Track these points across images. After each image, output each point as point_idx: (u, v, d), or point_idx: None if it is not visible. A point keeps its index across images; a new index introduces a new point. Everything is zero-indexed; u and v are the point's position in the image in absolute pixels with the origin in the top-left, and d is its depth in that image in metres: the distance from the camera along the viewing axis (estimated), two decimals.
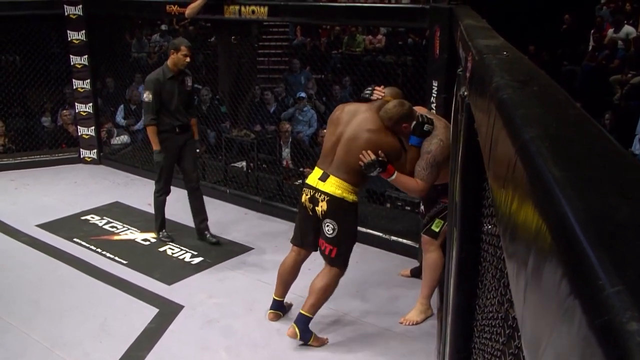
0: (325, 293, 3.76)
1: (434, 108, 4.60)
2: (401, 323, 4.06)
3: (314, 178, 3.73)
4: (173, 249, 5.23)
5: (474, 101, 1.72)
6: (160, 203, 5.41)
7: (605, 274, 0.47)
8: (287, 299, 4.15)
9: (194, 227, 5.67)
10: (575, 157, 0.74)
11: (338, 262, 3.75)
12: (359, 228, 5.27)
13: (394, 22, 6.15)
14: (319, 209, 3.69)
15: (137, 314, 4.16)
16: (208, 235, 5.36)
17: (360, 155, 3.55)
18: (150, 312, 4.19)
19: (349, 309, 4.24)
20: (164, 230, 5.48)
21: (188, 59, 5.08)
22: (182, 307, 4.25)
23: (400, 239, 5.14)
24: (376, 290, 4.51)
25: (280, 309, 4.12)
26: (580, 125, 0.88)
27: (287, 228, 5.65)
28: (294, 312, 4.04)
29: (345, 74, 8.61)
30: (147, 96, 5.03)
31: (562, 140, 0.81)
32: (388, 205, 5.86)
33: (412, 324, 4.05)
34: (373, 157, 3.53)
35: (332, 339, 3.85)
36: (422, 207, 4.42)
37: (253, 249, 5.21)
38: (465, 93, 2.09)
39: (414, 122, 3.62)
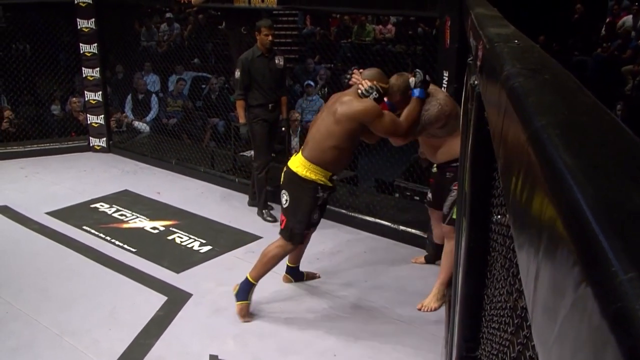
0: (266, 259, 3.94)
1: None
2: (419, 309, 4.08)
3: (293, 156, 3.99)
4: (182, 237, 5.25)
5: (484, 90, 1.71)
6: (262, 181, 5.66)
7: (618, 261, 0.46)
8: (302, 291, 4.17)
9: (203, 216, 5.70)
10: (587, 145, 0.73)
11: (284, 233, 3.89)
12: (366, 217, 5.35)
13: (404, 11, 6.11)
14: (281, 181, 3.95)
15: (146, 302, 4.18)
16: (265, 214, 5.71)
17: (360, 85, 3.71)
18: (159, 300, 4.21)
19: (358, 298, 4.25)
20: (267, 210, 5.70)
21: (270, 38, 5.41)
22: (190, 295, 4.27)
23: (408, 229, 5.13)
24: (384, 280, 4.51)
25: (291, 273, 4.41)
26: (592, 113, 0.87)
27: None
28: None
29: (355, 63, 8.56)
30: (236, 73, 5.45)
31: (574, 127, 0.80)
32: (397, 195, 5.86)
33: (430, 310, 4.06)
34: (369, 84, 3.68)
35: (341, 328, 3.86)
36: (429, 195, 4.41)
37: (262, 237, 5.21)
38: (476, 82, 2.08)
39: (413, 78, 3.80)
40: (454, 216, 3.92)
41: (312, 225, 3.92)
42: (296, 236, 3.87)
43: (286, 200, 3.84)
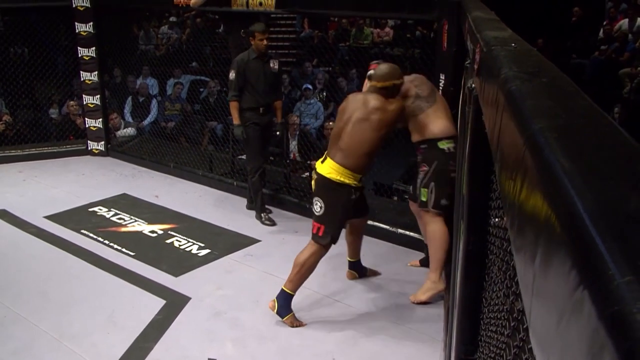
0: (303, 270, 3.90)
1: None
2: (413, 302, 4.16)
3: (318, 162, 3.97)
4: (180, 241, 5.24)
5: (481, 93, 1.71)
6: (256, 184, 5.62)
7: (615, 265, 0.47)
8: (301, 295, 4.16)
9: (202, 219, 5.69)
10: (584, 148, 0.73)
11: (322, 240, 3.88)
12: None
13: (402, 14, 6.11)
14: (313, 188, 3.96)
15: (145, 306, 4.17)
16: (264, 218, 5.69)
17: None
18: (158, 303, 4.20)
19: (356, 301, 4.25)
20: (266, 213, 5.69)
21: (265, 42, 5.39)
22: (189, 298, 4.27)
23: (407, 232, 5.13)
24: (382, 283, 4.51)
25: (354, 268, 4.55)
26: (589, 117, 0.87)
27: (294, 220, 5.66)
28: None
29: (353, 66, 8.58)
30: (231, 74, 5.41)
31: (572, 131, 0.81)
32: (395, 198, 5.86)
33: (418, 303, 4.14)
34: None
35: (338, 332, 3.85)
36: (411, 188, 4.51)
37: (260, 241, 5.22)
38: (473, 85, 2.08)
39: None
40: (422, 198, 4.05)
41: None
42: (334, 241, 3.91)
43: (321, 207, 3.85)
